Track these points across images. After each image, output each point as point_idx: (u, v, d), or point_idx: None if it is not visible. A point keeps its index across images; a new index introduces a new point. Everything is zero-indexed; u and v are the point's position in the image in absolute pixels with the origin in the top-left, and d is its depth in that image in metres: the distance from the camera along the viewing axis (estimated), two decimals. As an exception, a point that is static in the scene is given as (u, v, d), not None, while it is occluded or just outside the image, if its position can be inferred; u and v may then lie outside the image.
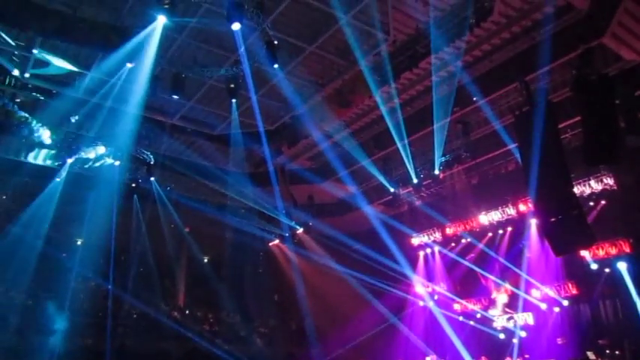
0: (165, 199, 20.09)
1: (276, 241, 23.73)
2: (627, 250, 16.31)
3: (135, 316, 19.71)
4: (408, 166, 18.77)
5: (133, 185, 19.22)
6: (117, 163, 18.14)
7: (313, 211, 22.15)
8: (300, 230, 22.34)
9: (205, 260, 23.29)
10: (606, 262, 16.80)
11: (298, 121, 17.99)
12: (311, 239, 22.83)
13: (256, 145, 18.71)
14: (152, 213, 20.18)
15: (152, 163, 18.63)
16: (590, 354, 15.20)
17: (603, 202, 16.98)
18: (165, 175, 19.59)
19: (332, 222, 22.39)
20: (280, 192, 20.92)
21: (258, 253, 23.51)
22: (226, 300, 21.83)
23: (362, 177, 20.69)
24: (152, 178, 19.37)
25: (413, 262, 22.84)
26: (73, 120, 16.75)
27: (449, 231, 21.80)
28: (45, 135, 16.68)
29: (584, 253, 17.12)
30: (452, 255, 21.75)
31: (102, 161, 18.04)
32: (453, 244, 22.03)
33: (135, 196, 19.59)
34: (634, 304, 15.34)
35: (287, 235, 22.63)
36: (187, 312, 22.08)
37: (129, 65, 14.24)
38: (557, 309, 18.40)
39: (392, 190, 20.19)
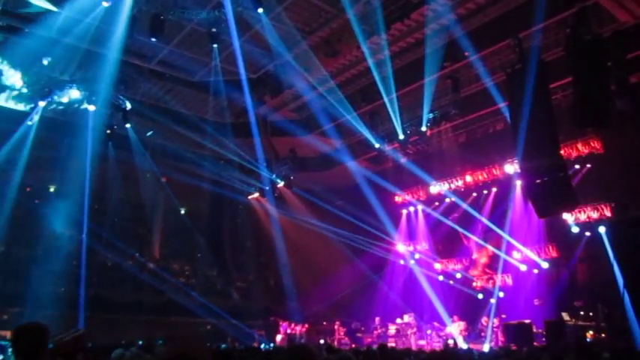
0: (141, 147, 20.08)
1: (256, 195, 23.97)
2: (608, 214, 16.93)
3: (109, 265, 19.95)
4: (395, 122, 18.94)
5: (109, 132, 19.17)
6: (92, 108, 18.02)
7: (295, 164, 22.33)
8: (281, 184, 22.58)
9: (183, 212, 23.50)
10: (587, 225, 17.43)
11: (282, 70, 17.95)
12: (292, 194, 23.10)
13: (238, 94, 18.68)
14: (128, 161, 20.19)
15: (128, 109, 18.54)
16: (564, 315, 15.94)
17: (589, 165, 17.49)
18: (142, 122, 19.52)
19: (314, 177, 22.67)
20: (261, 144, 21.04)
21: (238, 207, 23.74)
22: (204, 253, 22.18)
23: (347, 131, 20.84)
24: (128, 125, 19.34)
25: (395, 221, 23.34)
26: (45, 62, 16.52)
27: (433, 190, 22.23)
28: (15, 77, 16.46)
29: (567, 217, 17.74)
30: (435, 214, 22.27)
31: (76, 106, 17.91)
32: (436, 204, 22.52)
33: (110, 143, 19.55)
34: (611, 269, 16.03)
35: (267, 188, 22.85)
36: (163, 263, 22.38)
37: (105, 4, 14.06)
38: (536, 271, 19.15)
39: (377, 145, 20.41)
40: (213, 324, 20.23)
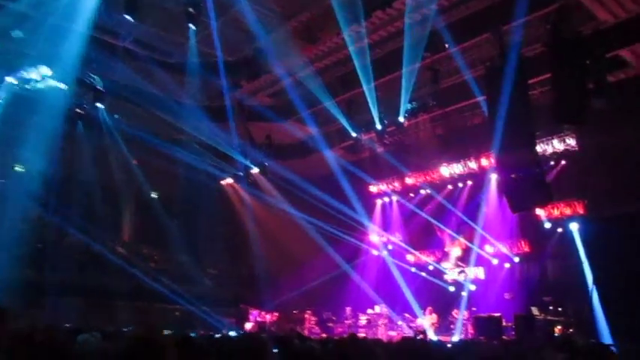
0: (112, 128, 19.78)
1: (230, 181, 23.84)
2: (581, 211, 17.29)
3: (77, 249, 19.68)
4: (373, 111, 18.95)
5: (79, 111, 18.83)
6: (62, 86, 17.67)
7: (270, 151, 22.22)
8: (256, 170, 22.48)
9: (154, 196, 23.27)
10: (560, 222, 17.78)
11: (260, 54, 17.78)
12: (266, 180, 23.01)
13: (214, 77, 18.49)
14: (99, 142, 19.85)
15: (100, 89, 18.22)
16: (534, 309, 16.26)
17: (564, 162, 17.80)
18: (114, 102, 19.21)
19: (289, 164, 22.60)
20: (237, 129, 20.91)
21: (211, 192, 23.55)
22: (175, 238, 22.00)
23: (324, 119, 20.81)
24: (100, 105, 19.01)
25: (370, 211, 23.50)
26: (13, 35, 16.10)
27: (409, 181, 22.41)
28: (-20, 50, 16.04)
29: (540, 212, 18.08)
30: (410, 206, 22.47)
31: (46, 83, 17.53)
32: (411, 195, 22.72)
33: (80, 122, 19.21)
34: (580, 265, 16.42)
35: (241, 174, 22.73)
36: (133, 248, 22.17)
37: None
38: (507, 265, 19.49)
39: (354, 134, 20.44)
40: (182, 310, 20.17)
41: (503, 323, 16.22)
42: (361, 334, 17.65)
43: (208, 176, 22.73)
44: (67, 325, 10.40)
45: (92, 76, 18.00)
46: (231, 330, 19.34)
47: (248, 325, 20.99)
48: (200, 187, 22.99)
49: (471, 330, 17.57)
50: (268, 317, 21.57)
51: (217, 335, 10.89)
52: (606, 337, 14.20)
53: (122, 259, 19.76)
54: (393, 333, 19.33)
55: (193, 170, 22.01)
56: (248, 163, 22.21)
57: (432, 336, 17.53)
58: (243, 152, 21.76)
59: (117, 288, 19.33)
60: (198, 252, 23.66)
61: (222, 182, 24.10)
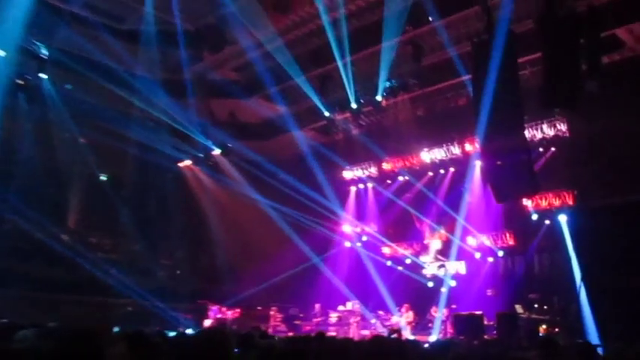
0: (58, 102, 19.43)
1: (189, 163, 23.67)
2: (570, 202, 17.67)
3: (17, 236, 19.37)
4: (348, 89, 19.01)
5: (21, 82, 18.44)
6: (1, 53, 17.27)
7: (234, 130, 22.14)
8: (218, 152, 22.37)
9: (104, 178, 22.97)
10: (548, 213, 18.15)
11: (224, 23, 17.67)
12: (229, 163, 22.95)
13: (172, 48, 18.30)
14: (42, 117, 19.49)
15: (45, 57, 17.88)
16: (518, 307, 16.62)
17: (553, 149, 18.14)
18: (60, 73, 18.85)
19: (255, 145, 22.56)
20: (197, 105, 20.75)
21: (167, 175, 23.35)
22: (126, 225, 21.78)
23: (294, 96, 20.79)
24: (43, 76, 18.66)
25: (343, 199, 23.61)
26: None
27: (386, 166, 22.54)
28: None
29: (527, 203, 18.41)
30: (386, 193, 22.64)
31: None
32: (388, 182, 22.89)
33: (21, 95, 18.81)
34: (568, 260, 16.79)
35: (201, 156, 22.62)
36: (80, 236, 21.88)
37: None
38: (491, 259, 19.85)
39: (327, 114, 20.46)
40: (134, 305, 20.04)
41: (485, 322, 16.55)
42: (331, 333, 17.84)
43: (165, 157, 22.47)
44: (4, 320, 10.28)
45: (35, 42, 17.64)
46: (189, 327, 19.31)
47: (207, 322, 20.96)
48: (155, 170, 22.74)
49: (450, 329, 17.86)
50: (229, 314, 21.56)
51: (172, 333, 10.89)
52: (594, 337, 14.58)
53: (67, 248, 19.50)
54: (365, 332, 19.51)
55: (148, 150, 21.73)
56: (209, 143, 22.08)
57: (408, 335, 17.75)
58: (203, 131, 21.62)
59: (61, 280, 19.09)
60: (153, 241, 23.44)
61: (180, 164, 23.87)
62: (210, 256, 23.49)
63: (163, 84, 20.03)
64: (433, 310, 19.20)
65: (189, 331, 17.02)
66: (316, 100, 19.95)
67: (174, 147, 22.51)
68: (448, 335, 17.59)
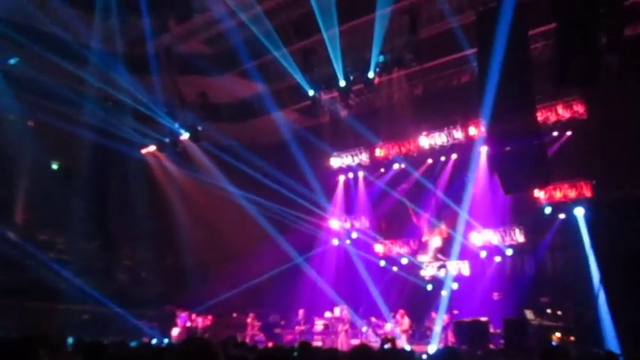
0: (1, 78, 19.26)
1: (153, 149, 23.53)
2: (587, 194, 17.75)
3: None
4: (335, 65, 18.90)
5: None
6: None
7: (205, 112, 22.01)
8: (186, 136, 22.24)
9: (55, 167, 22.80)
10: (562, 206, 18.23)
11: (193, -14, 17.54)
12: (199, 149, 22.85)
13: (133, 16, 18.11)
14: (-19, 96, 19.35)
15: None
16: (528, 313, 16.71)
17: (569, 133, 18.19)
18: (2, 45, 18.65)
19: (229, 129, 22.48)
20: (162, 83, 20.61)
21: (128, 163, 23.23)
22: (81, 221, 21.67)
23: (273, 73, 20.67)
24: (-18, 49, 18.47)
25: (330, 190, 23.61)
26: None
27: (379, 153, 22.54)
28: None
29: (539, 194, 18.48)
30: (379, 184, 22.66)
31: None
32: (382, 170, 22.90)
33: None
34: (585, 259, 16.87)
35: (168, 141, 22.49)
36: (28, 233, 21.76)
37: None
38: (498, 258, 19.92)
39: (311, 93, 20.36)
40: (91, 312, 19.99)
41: (491, 329, 16.63)
42: (316, 343, 17.88)
43: (125, 143, 22.37)
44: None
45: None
46: (154, 337, 19.29)
47: (174, 332, 20.96)
48: (114, 157, 22.63)
49: (451, 337, 17.94)
50: (200, 321, 21.58)
51: (133, 343, 10.86)
52: (613, 347, 14.67)
53: (14, 248, 19.42)
54: (355, 341, 19.57)
55: (106, 135, 21.61)
56: (176, 127, 21.93)
57: (403, 345, 17.84)
58: (170, 113, 21.47)
59: (5, 283, 19.03)
60: (112, 239, 23.39)
61: (144, 151, 23.77)
62: (179, 256, 23.43)
63: (123, 59, 19.86)
64: (432, 315, 19.26)
65: (154, 341, 17.01)
66: (299, 78, 19.83)
67: (137, 131, 22.37)
68: (449, 344, 17.67)
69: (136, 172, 23.45)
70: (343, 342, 19.42)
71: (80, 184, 22.35)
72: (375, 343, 18.97)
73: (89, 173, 22.44)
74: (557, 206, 18.35)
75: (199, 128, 22.05)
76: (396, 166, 22.40)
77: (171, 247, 23.94)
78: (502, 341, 16.20)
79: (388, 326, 19.54)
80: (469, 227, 20.18)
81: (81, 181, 22.44)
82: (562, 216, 18.33)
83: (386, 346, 17.82)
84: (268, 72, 20.66)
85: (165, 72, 20.34)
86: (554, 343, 15.49)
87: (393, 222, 22.95)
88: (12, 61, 19.63)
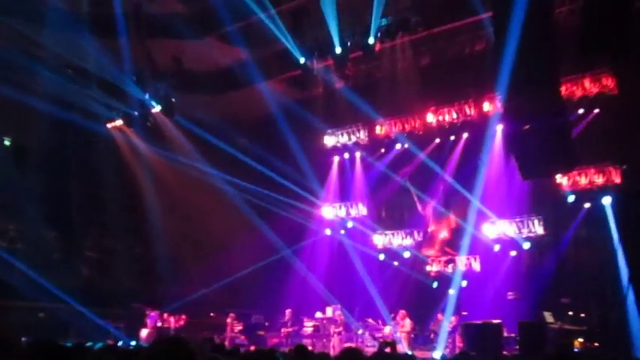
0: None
1: (120, 123, 23.47)
2: (617, 180, 17.81)
3: None
4: (331, 29, 18.89)
5: None
6: None
7: (180, 81, 21.97)
8: (158, 109, 22.20)
9: (7, 143, 22.75)
10: (588, 194, 18.29)
11: None
12: (173, 124, 22.80)
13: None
14: None
15: None
16: (547, 315, 16.81)
17: (597, 110, 18.21)
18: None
19: (207, 101, 22.42)
20: (131, 48, 20.53)
21: (91, 139, 23.19)
22: (36, 205, 21.66)
23: (259, 37, 20.57)
24: None
25: (322, 173, 23.62)
26: None
27: (379, 131, 22.53)
28: None
29: (561, 180, 18.52)
30: (380, 166, 22.67)
31: None
32: (382, 151, 22.92)
33: None
34: (613, 254, 16.95)
35: (136, 114, 22.45)
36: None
37: None
38: (513, 253, 20.00)
39: (302, 61, 20.33)
40: (47, 311, 20.02)
41: (504, 333, 16.74)
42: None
43: (88, 116, 22.31)
44: None
45: None
46: (120, 339, 19.34)
47: (144, 333, 20.99)
48: (75, 132, 22.57)
49: (459, 342, 18.05)
50: (173, 322, 21.61)
51: (97, 345, 10.91)
52: (642, 354, 14.82)
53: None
54: (350, 345, 19.68)
55: (65, 107, 21.55)
56: (146, 98, 21.89)
57: (404, 349, 17.93)
58: (139, 82, 21.44)
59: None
60: (72, 226, 23.37)
61: (109, 125, 23.71)
62: (149, 247, 23.41)
63: (86, 20, 19.78)
64: (438, 317, 19.37)
65: (120, 343, 17.06)
66: (288, 43, 19.79)
67: (101, 103, 22.30)
68: (457, 350, 17.77)
69: (101, 149, 23.42)
70: (336, 346, 19.43)
71: (36, 163, 22.33)
72: (372, 347, 19.10)
73: (46, 151, 22.42)
74: (582, 194, 18.41)
75: (173, 100, 22.00)
76: (398, 146, 22.40)
77: (141, 237, 23.91)
78: (517, 347, 16.30)
79: (387, 329, 19.62)
80: (481, 217, 20.24)
81: (37, 159, 22.42)
82: (587, 205, 18.41)
83: (386, 351, 17.99)
84: (253, 36, 20.56)
85: (134, 35, 20.27)
86: (575, 350, 15.60)
87: (395, 210, 23.02)
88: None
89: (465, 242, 20.53)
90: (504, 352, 16.24)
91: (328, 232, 23.62)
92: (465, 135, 21.13)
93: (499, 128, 19.50)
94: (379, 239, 22.85)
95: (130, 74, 21.01)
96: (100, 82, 21.27)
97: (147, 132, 22.75)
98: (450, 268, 20.95)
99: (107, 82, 21.26)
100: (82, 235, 23.91)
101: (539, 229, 19.59)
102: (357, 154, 23.60)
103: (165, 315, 21.66)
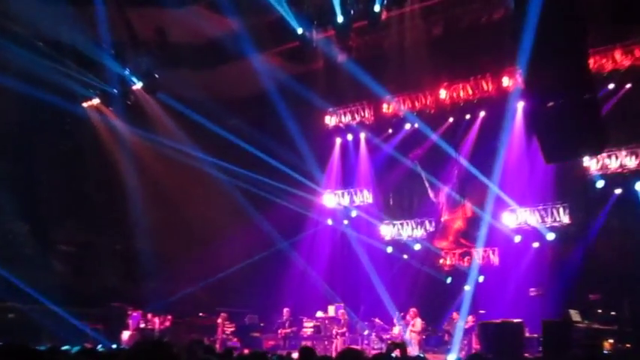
0: None
1: (97, 101, 23.44)
2: (651, 163, 17.83)
3: None
4: (332, -5, 18.89)
5: None
6: None
7: (164, 54, 21.88)
8: (139, 86, 22.17)
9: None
10: (619, 178, 18.31)
11: None
12: (156, 103, 22.77)
13: None
14: None
15: None
16: (573, 313, 16.80)
17: (629, 85, 18.17)
18: None
19: (194, 77, 22.36)
20: (109, 17, 20.48)
21: (64, 120, 23.17)
22: (4, 195, 21.68)
23: (251, 5, 20.54)
24: None
25: (323, 156, 23.59)
26: None
27: (386, 109, 22.53)
28: None
29: (589, 164, 18.49)
30: (387, 148, 22.63)
31: None
32: (390, 131, 22.89)
33: None
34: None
35: (115, 91, 22.41)
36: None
37: None
38: (536, 244, 20.01)
39: (300, 31, 20.28)
40: (17, 311, 20.07)
41: (526, 333, 16.76)
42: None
43: (61, 94, 22.24)
44: None
45: None
46: (100, 342, 19.38)
47: (125, 335, 21.04)
48: (47, 112, 22.54)
49: (475, 344, 18.09)
50: (158, 322, 21.65)
51: (74, 349, 10.92)
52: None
53: None
54: (355, 348, 19.73)
55: (36, 84, 21.50)
56: (127, 73, 21.85)
57: (414, 352, 17.96)
58: (118, 56, 21.39)
59: None
60: (44, 218, 23.38)
61: (85, 104, 23.66)
62: (131, 241, 23.44)
63: (58, -14, 19.76)
64: (453, 316, 19.39)
65: (99, 346, 17.09)
66: (284, 11, 19.73)
67: (76, 79, 22.24)
68: (473, 352, 17.80)
69: (76, 131, 23.40)
70: (339, 348, 19.50)
71: (3, 147, 22.32)
72: (379, 350, 19.13)
73: (13, 133, 22.40)
74: (613, 179, 18.43)
75: (156, 76, 21.96)
76: (407, 126, 22.43)
77: (122, 230, 23.92)
78: (540, 349, 16.32)
79: (396, 329, 19.65)
80: (500, 205, 20.26)
81: (4, 143, 22.41)
82: (618, 191, 18.43)
83: (393, 355, 18.02)
84: (244, 3, 20.52)
85: (112, 3, 20.22)
86: (605, 352, 15.62)
87: (404, 197, 23.04)
88: None
89: (482, 233, 20.55)
90: (526, 355, 16.25)
91: (330, 222, 23.67)
92: (482, 113, 21.14)
93: (520, 106, 19.50)
94: (387, 230, 22.90)
95: (108, 47, 20.95)
96: (74, 56, 21.22)
97: (127, 111, 22.69)
98: (465, 262, 21.00)
99: (83, 56, 21.20)
100: (56, 228, 23.90)
101: (564, 218, 19.62)
102: (362, 135, 23.61)
103: (149, 315, 21.69)
